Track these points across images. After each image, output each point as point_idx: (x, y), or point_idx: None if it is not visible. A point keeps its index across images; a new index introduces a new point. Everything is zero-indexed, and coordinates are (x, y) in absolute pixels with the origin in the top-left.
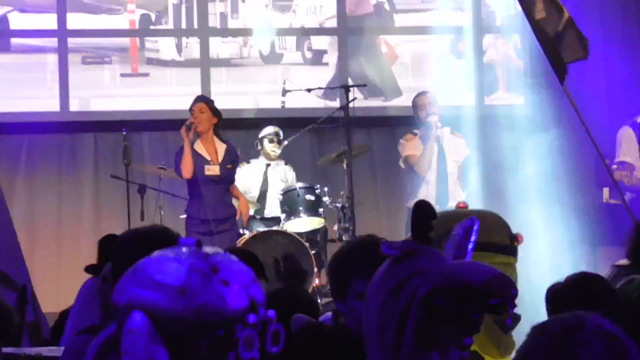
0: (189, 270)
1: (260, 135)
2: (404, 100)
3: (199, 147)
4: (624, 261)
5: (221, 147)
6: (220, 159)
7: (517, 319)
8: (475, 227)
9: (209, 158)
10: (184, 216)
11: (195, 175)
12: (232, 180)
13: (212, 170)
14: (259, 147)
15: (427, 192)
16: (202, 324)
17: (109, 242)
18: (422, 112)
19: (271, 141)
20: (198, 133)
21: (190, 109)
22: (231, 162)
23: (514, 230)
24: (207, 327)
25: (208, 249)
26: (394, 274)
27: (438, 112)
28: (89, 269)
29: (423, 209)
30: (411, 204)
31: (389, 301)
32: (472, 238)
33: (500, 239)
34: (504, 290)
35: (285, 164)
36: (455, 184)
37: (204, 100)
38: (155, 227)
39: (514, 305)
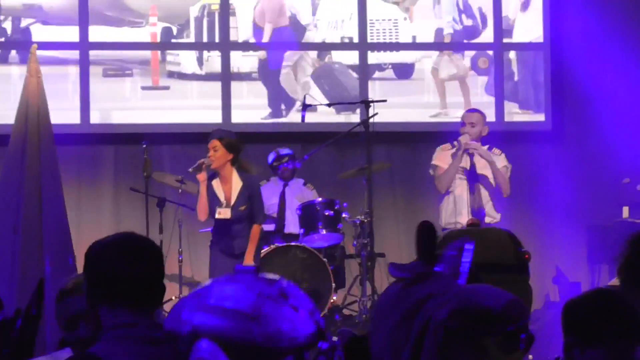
0: (259, 296)
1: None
2: (425, 116)
3: (217, 185)
4: (614, 281)
5: (237, 186)
6: (233, 200)
7: (531, 339)
8: (468, 248)
9: (222, 199)
10: (204, 230)
11: (211, 214)
12: (250, 217)
13: (223, 213)
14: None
15: (454, 209)
16: (274, 351)
17: None
18: (462, 129)
19: (275, 168)
20: (215, 171)
21: (207, 148)
22: (246, 201)
23: (529, 245)
24: (278, 354)
25: (269, 275)
26: (408, 296)
27: (477, 133)
28: None
29: (427, 230)
30: (444, 222)
31: (402, 324)
32: (466, 259)
33: (507, 259)
34: (520, 316)
35: (305, 183)
36: (488, 202)
37: (217, 136)
38: (124, 235)
39: (526, 331)
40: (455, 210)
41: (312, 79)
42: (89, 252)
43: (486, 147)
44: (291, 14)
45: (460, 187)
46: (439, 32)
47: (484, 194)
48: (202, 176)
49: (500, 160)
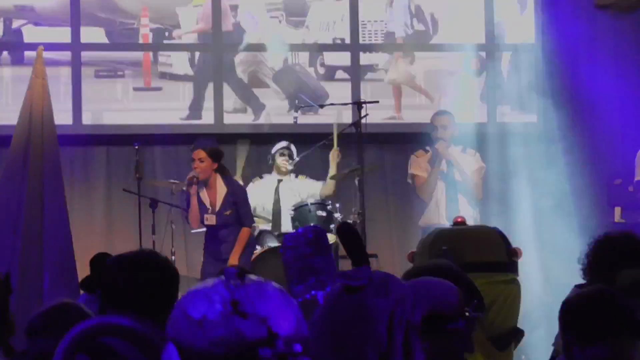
0: (209, 303)
1: (272, 151)
2: (417, 117)
3: (204, 194)
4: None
5: (222, 192)
6: (218, 205)
7: (520, 334)
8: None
9: (209, 206)
10: (195, 231)
11: (202, 221)
12: (238, 222)
13: (209, 219)
14: (271, 162)
15: (436, 211)
16: (220, 356)
17: (99, 262)
18: (434, 133)
19: (282, 154)
20: (203, 181)
21: (192, 158)
22: (232, 206)
23: (519, 246)
24: (224, 358)
25: (247, 279)
26: (372, 309)
27: (450, 135)
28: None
29: (346, 231)
30: (423, 222)
31: (382, 333)
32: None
33: (496, 257)
34: (465, 301)
35: (296, 176)
36: (465, 202)
37: (202, 146)
38: (143, 252)
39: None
40: (437, 213)
41: (273, 81)
42: (106, 266)
43: (460, 147)
44: (235, 21)
45: (440, 189)
46: (389, 35)
47: (461, 195)
48: (193, 189)
49: (475, 161)
